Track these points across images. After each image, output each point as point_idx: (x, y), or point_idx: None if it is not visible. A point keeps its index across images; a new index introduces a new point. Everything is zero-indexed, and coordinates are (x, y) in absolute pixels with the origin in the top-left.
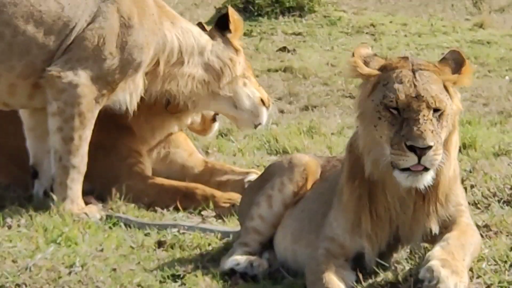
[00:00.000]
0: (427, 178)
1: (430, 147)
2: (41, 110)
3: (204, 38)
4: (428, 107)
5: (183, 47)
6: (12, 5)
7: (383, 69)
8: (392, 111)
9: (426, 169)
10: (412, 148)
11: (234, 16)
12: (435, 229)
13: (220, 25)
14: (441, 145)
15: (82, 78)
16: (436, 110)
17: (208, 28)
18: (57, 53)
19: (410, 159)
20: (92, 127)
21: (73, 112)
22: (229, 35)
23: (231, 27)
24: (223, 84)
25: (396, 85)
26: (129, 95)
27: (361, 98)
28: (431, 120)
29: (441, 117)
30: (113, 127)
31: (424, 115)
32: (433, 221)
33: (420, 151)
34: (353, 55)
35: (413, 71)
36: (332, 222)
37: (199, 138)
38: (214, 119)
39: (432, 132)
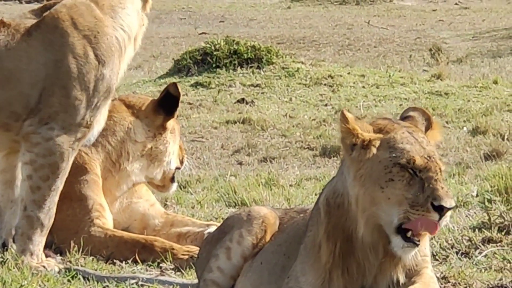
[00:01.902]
0: (415, 251)
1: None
2: (15, 153)
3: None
4: (440, 168)
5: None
6: None
7: (379, 131)
8: (409, 171)
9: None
10: (439, 208)
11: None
12: (402, 279)
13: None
14: None
15: (55, 130)
16: (440, 170)
17: None
18: (6, 106)
19: (433, 218)
20: (64, 177)
21: (44, 162)
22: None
23: None
24: None
25: (408, 146)
26: (99, 124)
27: (359, 160)
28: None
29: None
30: (81, 179)
31: (440, 176)
32: (400, 271)
33: (446, 210)
34: (344, 121)
35: (409, 133)
36: (298, 276)
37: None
38: (172, 179)
39: None
